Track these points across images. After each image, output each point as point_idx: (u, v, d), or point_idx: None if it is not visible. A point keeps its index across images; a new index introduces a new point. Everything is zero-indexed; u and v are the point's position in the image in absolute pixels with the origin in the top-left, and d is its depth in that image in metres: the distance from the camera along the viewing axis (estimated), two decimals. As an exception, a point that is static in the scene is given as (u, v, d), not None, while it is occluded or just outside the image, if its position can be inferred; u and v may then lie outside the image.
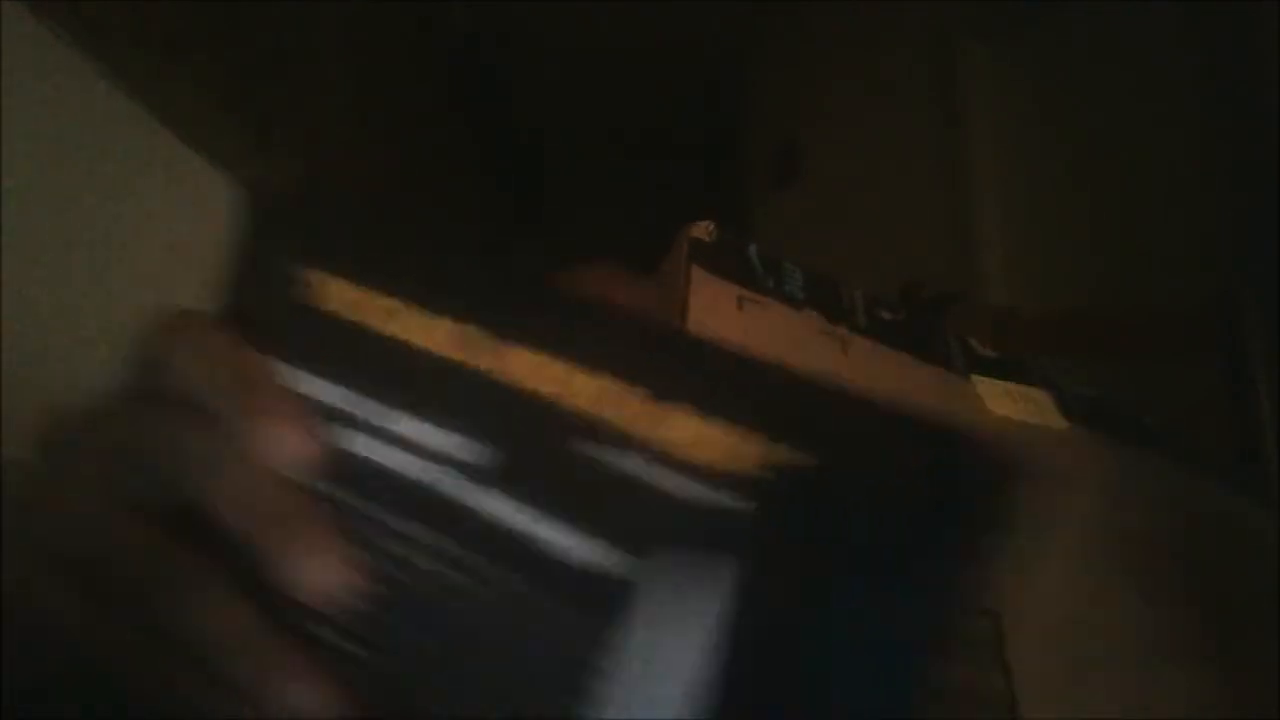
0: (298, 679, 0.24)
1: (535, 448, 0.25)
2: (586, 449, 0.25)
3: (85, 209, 0.72)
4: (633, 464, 0.24)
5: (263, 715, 0.23)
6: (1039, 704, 0.36)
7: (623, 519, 0.24)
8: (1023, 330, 0.96)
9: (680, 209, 0.49)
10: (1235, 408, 0.88)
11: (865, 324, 0.48)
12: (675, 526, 0.24)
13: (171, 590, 0.24)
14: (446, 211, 1.44)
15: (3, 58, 0.64)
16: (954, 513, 0.23)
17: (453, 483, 0.25)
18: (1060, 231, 1.04)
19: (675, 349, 0.27)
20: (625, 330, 0.26)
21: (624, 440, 0.24)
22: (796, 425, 0.24)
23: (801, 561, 0.23)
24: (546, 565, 0.24)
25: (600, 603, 0.23)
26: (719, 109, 1.48)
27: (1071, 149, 1.05)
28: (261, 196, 0.28)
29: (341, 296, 0.28)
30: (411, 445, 0.25)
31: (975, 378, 0.50)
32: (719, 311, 0.44)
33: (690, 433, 0.25)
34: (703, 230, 0.47)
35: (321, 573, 0.24)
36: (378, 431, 0.26)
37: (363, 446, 0.26)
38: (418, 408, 0.26)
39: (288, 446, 0.25)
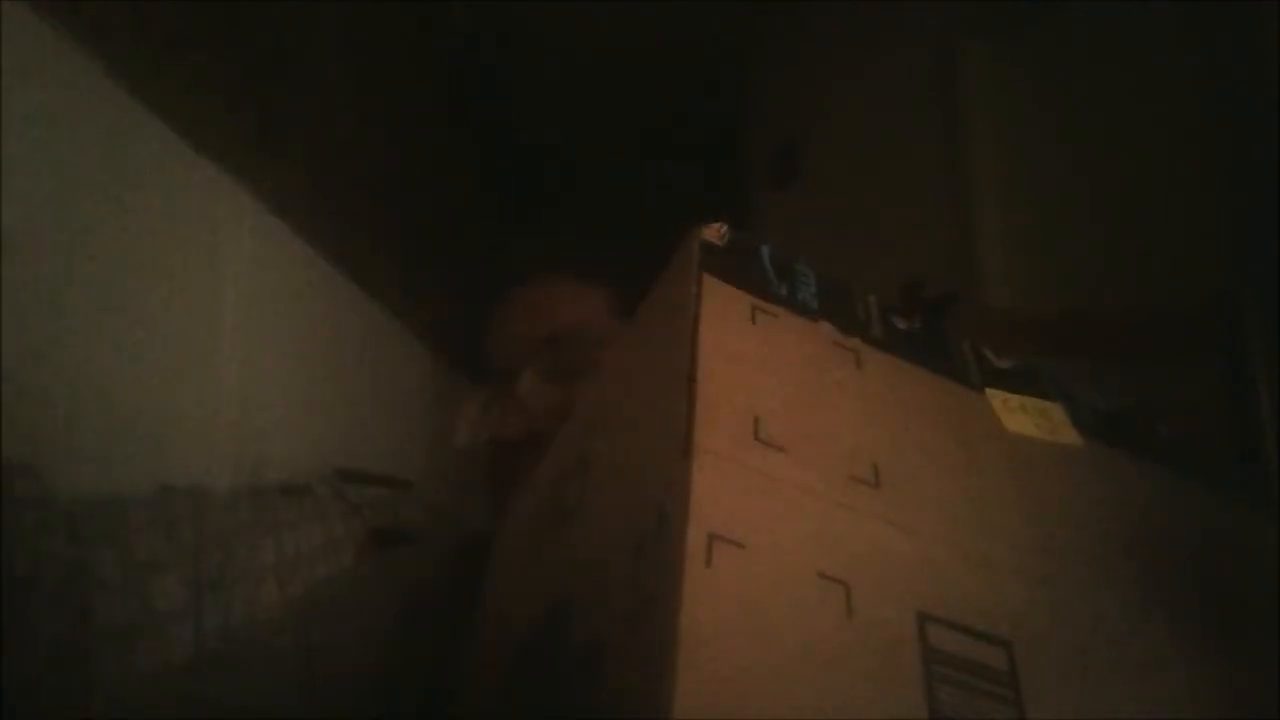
0: None
1: None
2: None
3: (86, 209, 0.72)
4: None
5: None
6: (1043, 704, 0.36)
7: None
8: (1023, 330, 0.96)
9: (680, 209, 0.49)
10: (1235, 408, 0.88)
11: (880, 335, 0.48)
12: None
13: None
14: (446, 211, 1.44)
15: (3, 58, 0.64)
16: None
17: None
18: (1060, 232, 1.03)
19: None
20: None
21: None
22: None
23: None
24: None
25: None
26: (719, 109, 1.48)
27: (1071, 149, 1.05)
28: None
29: None
30: None
31: (990, 392, 0.50)
32: (731, 324, 0.43)
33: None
34: (714, 233, 0.46)
35: None
36: None
37: None
38: None
39: None
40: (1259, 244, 0.89)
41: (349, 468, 0.80)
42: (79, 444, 0.68)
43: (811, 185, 1.24)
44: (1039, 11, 1.08)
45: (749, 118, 1.44)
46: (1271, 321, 0.88)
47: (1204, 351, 0.92)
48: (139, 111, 0.78)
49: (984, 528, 0.42)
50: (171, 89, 0.80)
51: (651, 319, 0.49)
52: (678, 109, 1.55)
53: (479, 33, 1.47)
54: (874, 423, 0.43)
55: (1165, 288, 0.98)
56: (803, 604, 0.34)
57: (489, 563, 0.64)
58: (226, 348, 0.86)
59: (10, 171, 0.64)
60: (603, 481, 0.47)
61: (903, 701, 0.33)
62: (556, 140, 1.67)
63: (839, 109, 1.25)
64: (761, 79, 1.42)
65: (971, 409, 0.48)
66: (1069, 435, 0.50)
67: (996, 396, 0.49)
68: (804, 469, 0.39)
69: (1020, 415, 0.49)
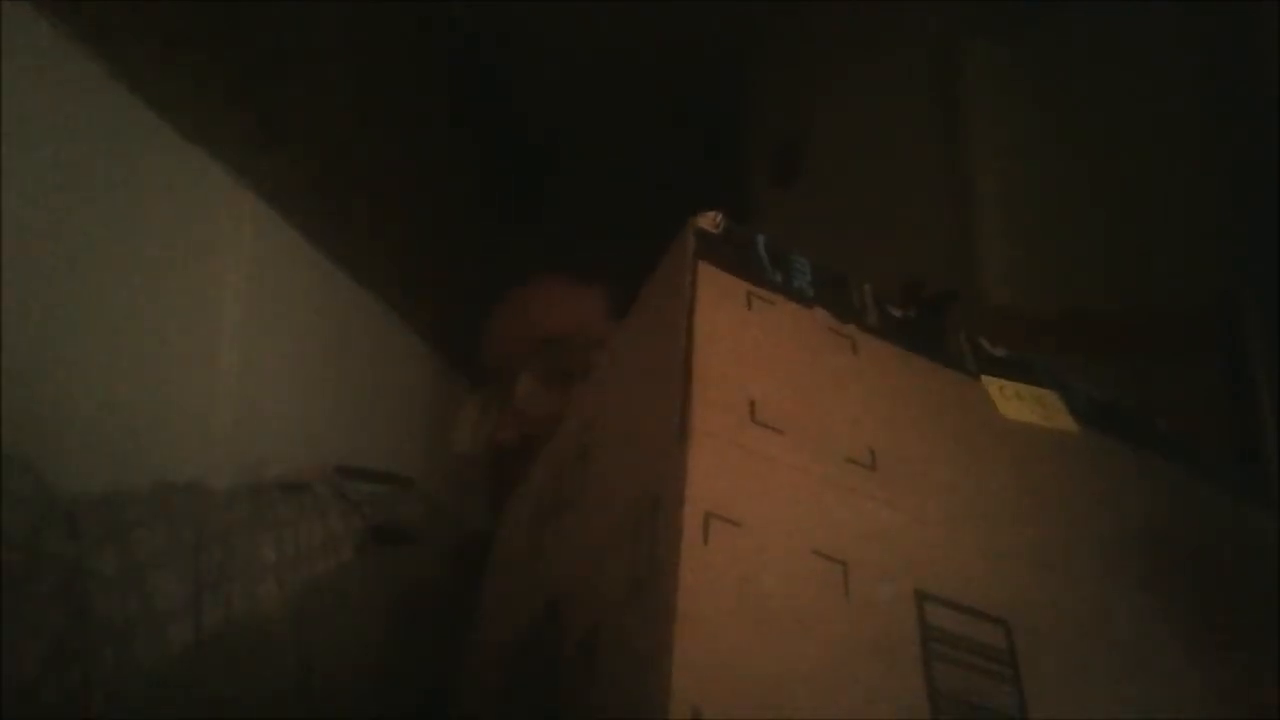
0: None
1: None
2: None
3: (86, 208, 0.72)
4: None
5: None
6: (1047, 703, 0.35)
7: None
8: (1023, 330, 0.96)
9: (680, 209, 0.49)
10: (1235, 408, 0.88)
11: (875, 323, 0.48)
12: None
13: None
14: (446, 211, 1.44)
15: (3, 58, 0.64)
16: None
17: None
18: (1060, 231, 1.03)
19: None
20: None
21: None
22: None
23: None
24: None
25: None
26: (719, 109, 1.48)
27: (1071, 149, 1.05)
28: None
29: None
30: None
31: (986, 379, 0.50)
32: (727, 310, 0.43)
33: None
34: (709, 221, 0.46)
35: None
36: None
37: None
38: None
39: None
40: (1259, 244, 0.89)
41: (349, 465, 0.80)
42: (79, 442, 0.69)
43: (812, 185, 1.24)
44: (1039, 11, 1.08)
45: (749, 118, 1.44)
46: (1271, 321, 0.88)
47: (1204, 351, 0.93)
48: (139, 110, 0.78)
49: (982, 511, 0.42)
50: (172, 88, 0.80)
51: (648, 308, 0.49)
52: (678, 109, 1.55)
53: (479, 33, 1.47)
54: (870, 407, 0.43)
55: (1165, 288, 0.98)
56: (800, 582, 0.34)
57: (489, 562, 0.64)
58: (226, 346, 0.86)
59: (10, 171, 0.64)
60: (601, 471, 0.47)
61: (901, 679, 0.33)
62: (556, 140, 1.66)
63: (839, 109, 1.24)
64: (761, 79, 1.42)
65: (968, 395, 0.48)
66: (1065, 422, 0.50)
67: (993, 383, 0.49)
68: (801, 451, 0.39)
69: (1016, 402, 0.49)
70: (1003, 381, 0.50)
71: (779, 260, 0.47)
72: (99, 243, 0.73)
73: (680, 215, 0.47)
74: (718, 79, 1.45)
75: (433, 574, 0.73)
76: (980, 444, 0.45)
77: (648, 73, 1.52)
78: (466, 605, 0.63)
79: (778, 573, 0.34)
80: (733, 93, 1.44)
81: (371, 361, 1.15)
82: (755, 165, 1.35)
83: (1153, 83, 1.02)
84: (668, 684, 0.29)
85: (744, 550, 0.34)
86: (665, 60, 1.49)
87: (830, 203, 1.20)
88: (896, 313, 0.49)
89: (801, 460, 0.38)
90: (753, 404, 0.39)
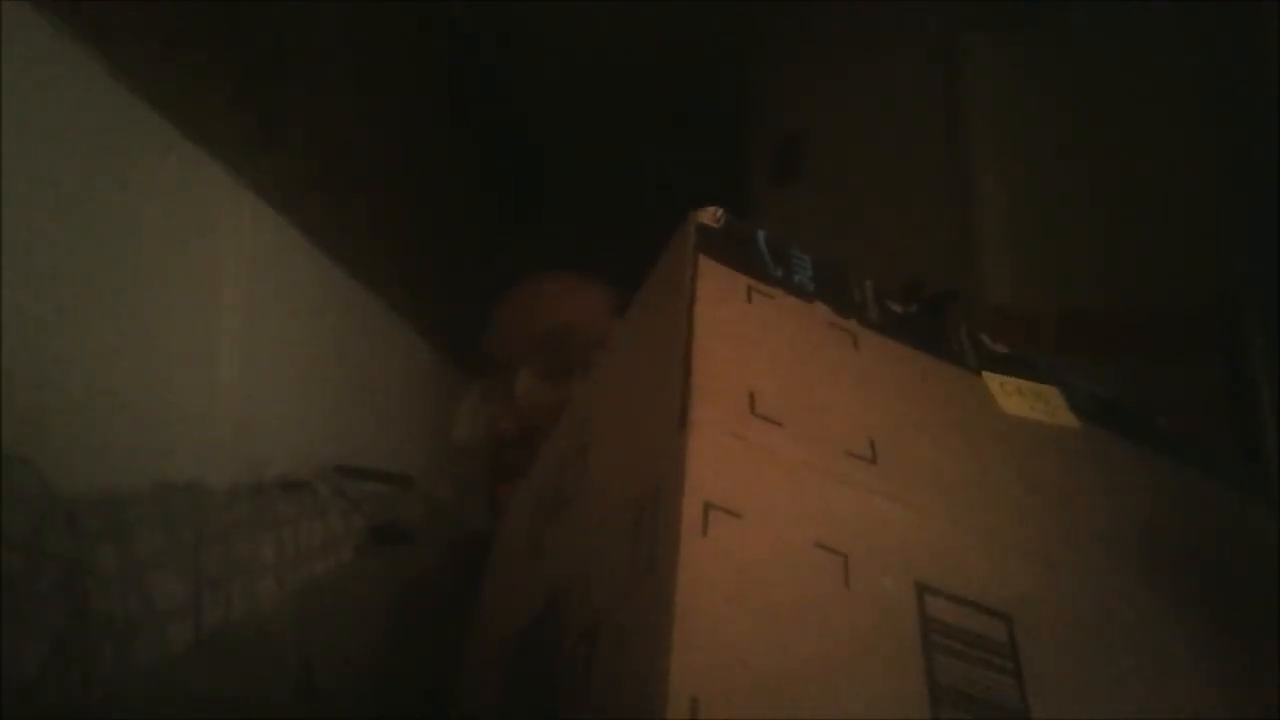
0: None
1: None
2: None
3: (86, 208, 0.72)
4: None
5: None
6: (1048, 698, 0.35)
7: None
8: (1023, 329, 0.96)
9: (680, 208, 0.49)
10: (1235, 408, 0.88)
11: (876, 318, 0.48)
12: None
13: None
14: (446, 210, 1.44)
15: (3, 58, 0.64)
16: None
17: None
18: (1060, 231, 1.04)
19: None
20: None
21: None
22: None
23: None
24: None
25: None
26: (719, 109, 1.48)
27: (1072, 148, 1.05)
28: None
29: None
30: None
31: (987, 375, 0.50)
32: (727, 304, 0.43)
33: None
34: (710, 216, 0.46)
35: None
36: None
37: None
38: None
39: None
40: (1259, 244, 0.89)
41: (349, 465, 0.80)
42: (79, 441, 0.69)
43: (812, 185, 1.24)
44: (1039, 11, 1.08)
45: (749, 118, 1.44)
46: (1271, 321, 0.88)
47: (1204, 351, 0.93)
48: (140, 110, 0.78)
49: (983, 504, 0.42)
50: (172, 88, 0.80)
51: (648, 302, 0.49)
52: (678, 109, 1.55)
53: (479, 33, 1.47)
54: (871, 401, 0.43)
55: (1165, 288, 0.98)
56: (800, 574, 0.34)
57: (489, 560, 0.64)
58: (227, 344, 0.86)
59: (10, 171, 0.64)
60: (601, 465, 0.47)
61: (901, 671, 0.33)
62: (556, 140, 1.66)
63: (839, 108, 1.25)
64: (761, 79, 1.42)
65: (969, 391, 0.48)
66: (1066, 418, 0.50)
67: (993, 379, 0.49)
68: (801, 443, 0.39)
69: (1017, 398, 0.49)
70: (1003, 377, 0.50)
71: (780, 255, 0.47)
72: (99, 242, 0.73)
73: (680, 215, 0.47)
74: (718, 79, 1.45)
75: (433, 574, 0.73)
76: (981, 439, 0.45)
77: (648, 73, 1.52)
78: (466, 605, 0.63)
79: (778, 565, 0.34)
80: (733, 93, 1.44)
81: (372, 361, 1.15)
82: (755, 165, 1.35)
83: (1153, 82, 1.03)
84: (666, 676, 0.29)
85: (744, 542, 0.34)
86: (665, 60, 1.49)
87: (830, 203, 1.20)
88: (897, 308, 0.49)
89: (802, 453, 0.38)
90: (753, 396, 0.39)
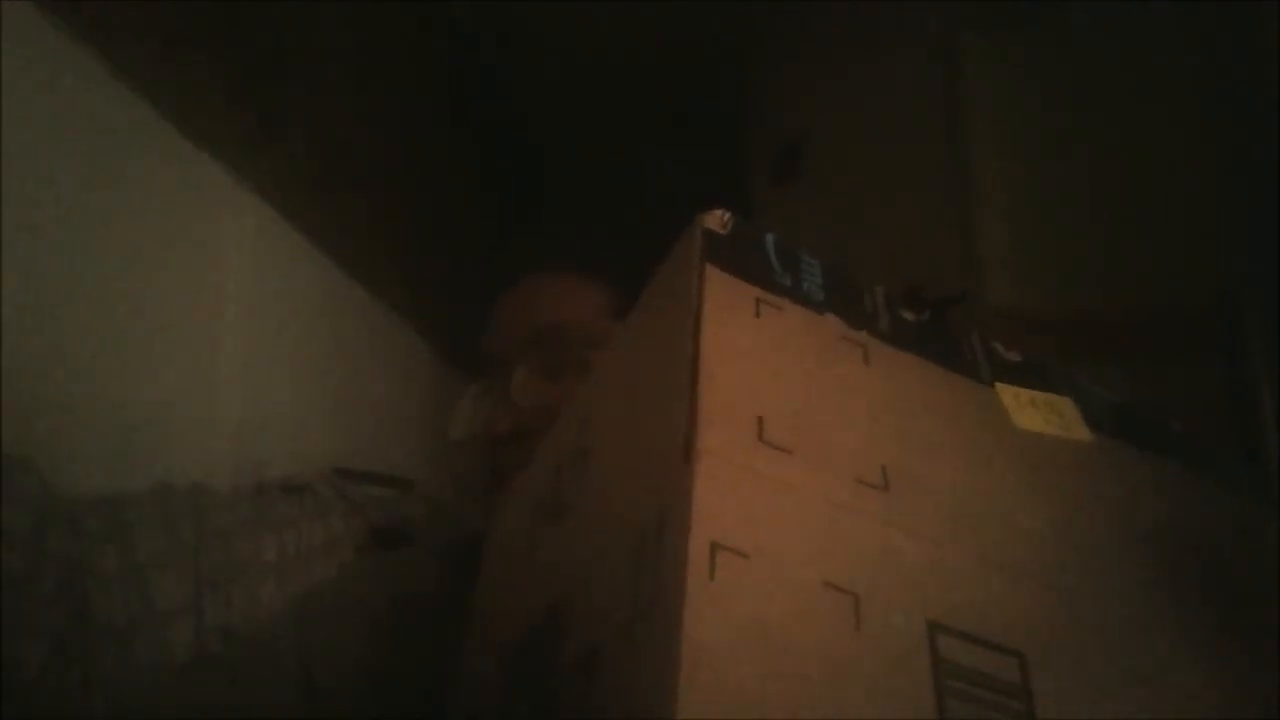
0: None
1: None
2: None
3: (86, 208, 0.72)
4: None
5: None
6: (1056, 716, 0.35)
7: None
8: (1023, 330, 0.96)
9: (680, 208, 0.49)
10: (1235, 408, 0.88)
11: (887, 328, 0.47)
12: None
13: None
14: (446, 210, 1.44)
15: (3, 58, 0.64)
16: None
17: None
18: (1060, 231, 1.03)
19: None
20: None
21: None
22: None
23: None
24: None
25: None
26: (719, 109, 1.48)
27: (1072, 149, 1.05)
28: None
29: None
30: None
31: (1000, 387, 0.49)
32: (735, 318, 0.42)
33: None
34: (717, 221, 0.45)
35: None
36: None
37: None
38: None
39: None
40: (1259, 244, 0.89)
41: (350, 468, 0.80)
42: (79, 442, 0.68)
43: (812, 185, 1.24)
44: (1039, 11, 1.08)
45: (749, 118, 1.44)
46: (1271, 321, 0.88)
47: (1204, 351, 0.93)
48: (140, 109, 0.78)
49: (995, 529, 0.41)
50: (172, 87, 0.80)
51: (652, 308, 0.48)
52: (678, 109, 1.55)
53: (479, 33, 1.47)
54: (882, 421, 0.42)
55: (1165, 288, 0.98)
56: (810, 616, 0.34)
57: (486, 555, 0.64)
58: (227, 345, 0.86)
59: (10, 171, 0.64)
60: (602, 478, 0.46)
61: (913, 715, 0.33)
62: (556, 140, 1.66)
63: (839, 109, 1.24)
64: (761, 79, 1.42)
65: (982, 405, 0.47)
66: (1081, 431, 0.49)
67: (1007, 392, 0.49)
68: (810, 472, 0.38)
69: (1032, 411, 0.48)
70: (1017, 389, 0.49)
71: (789, 261, 0.46)
72: (99, 242, 0.73)
73: (680, 215, 0.47)
74: (718, 79, 1.45)
75: (433, 575, 0.73)
76: (995, 458, 0.45)
77: (648, 73, 1.52)
78: (466, 606, 0.63)
79: (787, 607, 0.33)
80: (733, 93, 1.44)
81: (372, 361, 1.15)
82: (756, 165, 1.35)
83: (1153, 82, 1.02)
84: None
85: (752, 583, 0.33)
86: (665, 60, 1.49)
87: (831, 203, 1.20)
88: (909, 316, 0.48)
89: (810, 482, 0.38)
90: (761, 421, 0.38)
